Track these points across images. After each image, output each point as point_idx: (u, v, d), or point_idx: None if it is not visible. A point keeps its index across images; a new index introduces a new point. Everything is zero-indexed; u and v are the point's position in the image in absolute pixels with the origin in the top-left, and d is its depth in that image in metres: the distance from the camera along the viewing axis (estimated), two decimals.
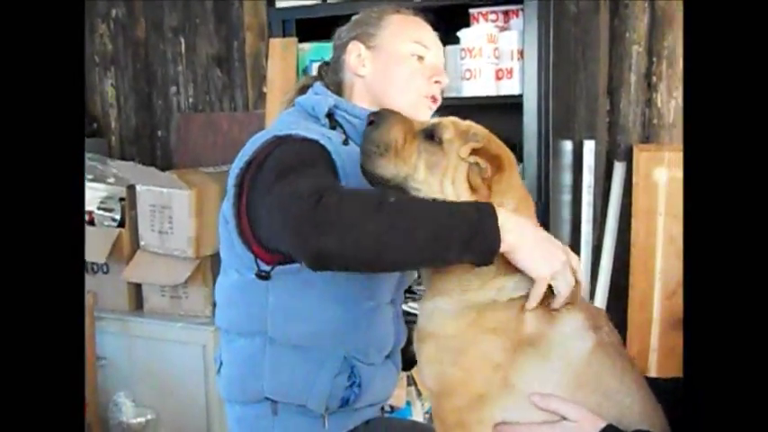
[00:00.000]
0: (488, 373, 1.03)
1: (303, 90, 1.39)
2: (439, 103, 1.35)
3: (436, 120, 1.12)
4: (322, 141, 1.17)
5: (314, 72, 1.51)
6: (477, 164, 1.06)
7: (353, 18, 1.40)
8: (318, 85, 1.34)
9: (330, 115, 1.27)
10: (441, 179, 1.06)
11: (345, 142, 1.22)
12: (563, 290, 1.01)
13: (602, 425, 1.01)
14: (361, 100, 1.32)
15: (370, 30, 1.33)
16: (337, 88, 1.36)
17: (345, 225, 0.91)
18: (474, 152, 1.06)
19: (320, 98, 1.29)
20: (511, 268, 1.03)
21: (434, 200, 1.00)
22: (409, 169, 1.08)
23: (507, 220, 0.96)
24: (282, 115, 1.34)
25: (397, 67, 1.30)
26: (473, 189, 1.06)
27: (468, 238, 0.93)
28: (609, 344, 1.07)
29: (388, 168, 1.09)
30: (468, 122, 1.13)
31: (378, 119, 1.10)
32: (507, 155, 1.11)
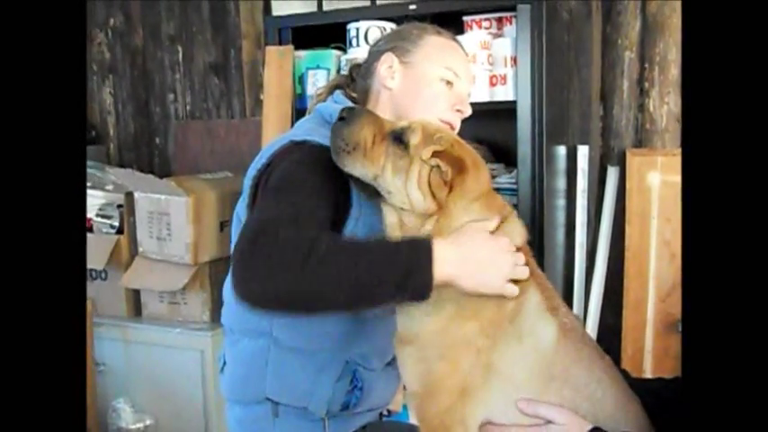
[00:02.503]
0: (472, 359, 1.04)
1: (334, 89, 1.40)
2: (456, 130, 1.34)
3: (406, 122, 1.13)
4: None
5: (318, 78, 1.51)
6: (438, 166, 1.07)
7: (394, 28, 1.42)
8: (339, 94, 1.36)
9: None
10: (405, 182, 1.08)
11: None
12: (519, 275, 1.06)
13: (589, 427, 1.03)
14: (384, 111, 1.32)
15: (407, 45, 1.34)
16: (363, 94, 1.37)
17: (272, 274, 0.94)
18: (436, 155, 1.07)
19: (338, 107, 1.28)
20: None
21: (372, 240, 1.04)
22: (377, 170, 1.10)
23: (444, 252, 1.00)
24: (301, 121, 1.36)
25: (425, 88, 1.31)
26: (434, 191, 1.07)
27: (399, 281, 0.97)
28: (571, 330, 1.08)
29: (355, 167, 1.11)
30: (437, 126, 1.15)
31: (349, 115, 1.12)
32: (472, 157, 1.12)
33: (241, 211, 1.26)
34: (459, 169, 1.08)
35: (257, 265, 0.94)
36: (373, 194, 1.13)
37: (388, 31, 1.45)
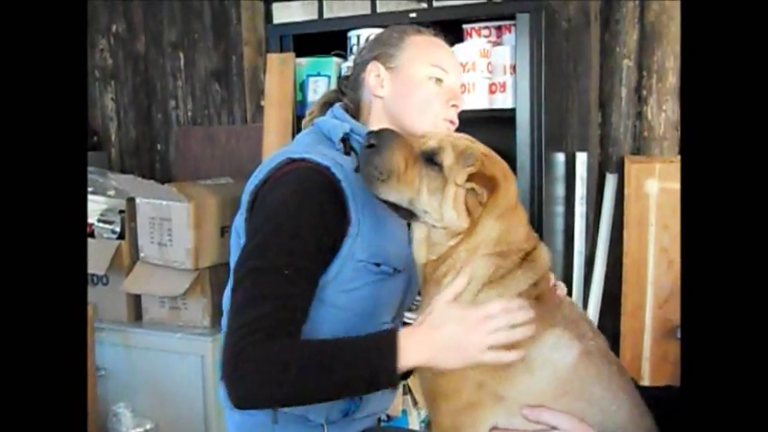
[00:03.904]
0: (473, 389, 1.06)
1: (325, 106, 1.40)
2: (456, 125, 1.35)
3: (435, 141, 1.13)
4: (333, 170, 1.19)
5: (320, 87, 1.51)
6: (473, 190, 1.08)
7: (375, 36, 1.40)
8: (338, 108, 1.34)
9: (345, 140, 1.28)
10: (441, 203, 1.09)
11: (357, 169, 1.23)
12: (503, 341, 1.05)
13: None
14: (379, 121, 1.32)
15: (390, 50, 1.33)
16: (356, 107, 1.37)
17: (254, 391, 1.06)
18: (470, 178, 1.08)
19: (337, 123, 1.30)
20: (491, 292, 1.08)
21: (341, 343, 1.08)
22: (412, 193, 1.10)
23: (410, 343, 1.06)
24: (300, 135, 1.36)
25: (416, 90, 1.30)
26: (470, 210, 1.09)
27: (367, 383, 1.07)
28: (595, 351, 1.09)
29: (390, 194, 1.11)
30: (464, 141, 1.15)
31: (378, 141, 1.11)
32: (502, 172, 1.14)
33: (239, 225, 1.27)
34: (493, 188, 1.09)
35: (241, 385, 1.06)
36: (407, 215, 1.14)
37: (374, 36, 1.42)
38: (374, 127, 1.31)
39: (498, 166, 1.14)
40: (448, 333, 1.05)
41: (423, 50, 1.33)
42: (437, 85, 1.31)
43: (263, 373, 1.04)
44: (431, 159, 1.10)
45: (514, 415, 1.07)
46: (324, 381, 1.05)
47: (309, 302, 1.16)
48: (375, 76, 1.32)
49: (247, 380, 1.05)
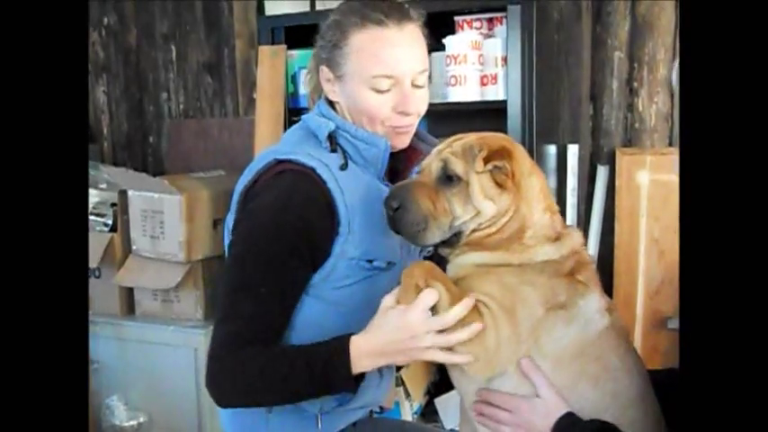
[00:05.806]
0: (527, 313, 1.09)
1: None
2: (409, 131, 1.31)
3: (437, 162, 1.14)
4: (319, 171, 1.20)
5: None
6: (496, 167, 1.11)
7: (323, 26, 1.33)
8: (323, 104, 1.32)
9: (331, 138, 1.27)
10: (474, 204, 1.12)
11: (343, 167, 1.24)
12: (443, 344, 1.10)
13: (564, 411, 1.07)
14: (345, 118, 1.31)
15: (336, 57, 1.27)
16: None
17: (227, 393, 1.21)
18: (486, 161, 1.11)
19: (323, 121, 1.28)
20: (551, 237, 1.14)
21: (298, 352, 1.16)
22: (449, 218, 1.13)
23: (359, 350, 1.13)
24: (288, 132, 1.36)
25: (362, 102, 1.26)
26: (503, 186, 1.12)
27: (324, 392, 1.17)
28: (619, 327, 1.15)
29: (435, 235, 1.14)
30: (457, 142, 1.16)
31: (401, 201, 1.13)
32: (503, 138, 1.18)
33: (230, 222, 1.29)
34: (509, 154, 1.12)
35: (216, 392, 1.21)
36: (456, 241, 1.15)
37: (325, 25, 1.33)
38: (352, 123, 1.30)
39: (497, 137, 1.17)
40: (391, 338, 1.11)
41: (365, 58, 1.24)
42: (383, 94, 1.25)
43: (232, 383, 1.17)
44: (447, 178, 1.13)
45: (516, 357, 1.10)
46: (283, 388, 1.15)
47: (285, 316, 1.22)
48: (326, 80, 1.30)
49: (222, 387, 1.18)
